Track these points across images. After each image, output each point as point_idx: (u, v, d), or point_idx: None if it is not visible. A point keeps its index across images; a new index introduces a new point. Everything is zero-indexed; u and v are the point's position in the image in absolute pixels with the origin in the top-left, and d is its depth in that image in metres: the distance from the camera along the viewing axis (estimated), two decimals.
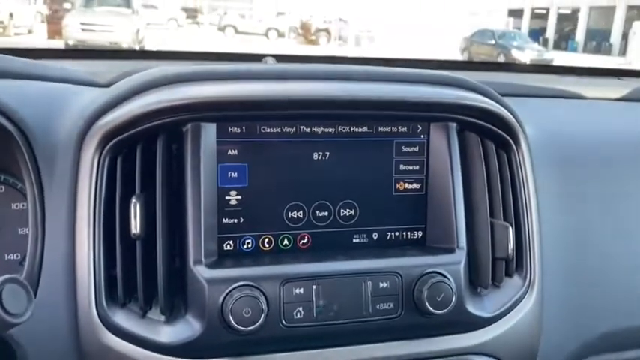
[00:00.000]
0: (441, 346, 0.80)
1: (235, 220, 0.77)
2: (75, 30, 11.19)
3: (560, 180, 0.95)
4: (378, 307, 0.75)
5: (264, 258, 0.77)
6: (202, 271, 0.71)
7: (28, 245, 0.72)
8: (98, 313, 0.70)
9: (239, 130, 0.76)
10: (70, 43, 10.84)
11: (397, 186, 0.82)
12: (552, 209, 0.92)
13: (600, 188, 0.99)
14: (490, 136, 0.84)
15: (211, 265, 0.72)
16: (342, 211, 0.81)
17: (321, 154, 0.79)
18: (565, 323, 0.91)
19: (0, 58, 0.85)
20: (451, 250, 0.80)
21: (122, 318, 0.71)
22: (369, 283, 0.75)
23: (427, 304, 0.74)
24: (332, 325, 0.74)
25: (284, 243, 0.79)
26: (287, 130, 0.77)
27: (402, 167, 0.82)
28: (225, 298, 0.69)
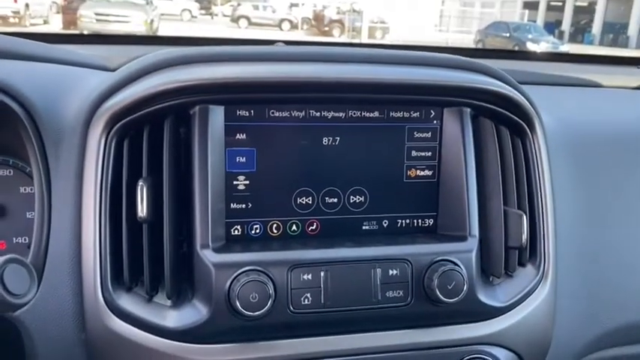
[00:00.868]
0: (452, 336, 0.78)
1: (243, 205, 0.76)
2: (89, 20, 11.26)
3: (575, 169, 0.93)
4: (387, 294, 0.74)
5: (272, 243, 0.75)
6: (209, 256, 0.70)
7: (34, 228, 0.71)
8: (104, 297, 0.70)
9: (247, 114, 0.74)
10: (85, 33, 10.91)
11: (408, 172, 0.81)
12: (567, 198, 0.90)
13: (616, 178, 0.96)
14: (505, 122, 0.82)
15: (219, 250, 0.71)
16: (351, 197, 0.79)
17: (330, 139, 0.77)
18: (578, 315, 0.89)
19: (8, 39, 0.85)
20: (463, 239, 0.78)
21: (128, 302, 0.70)
22: (379, 271, 0.74)
23: (438, 292, 0.72)
24: (340, 312, 0.73)
25: (292, 229, 0.78)
26: (296, 114, 0.76)
27: (413, 153, 0.80)
28: (232, 283, 0.68)
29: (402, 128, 0.79)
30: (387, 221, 0.81)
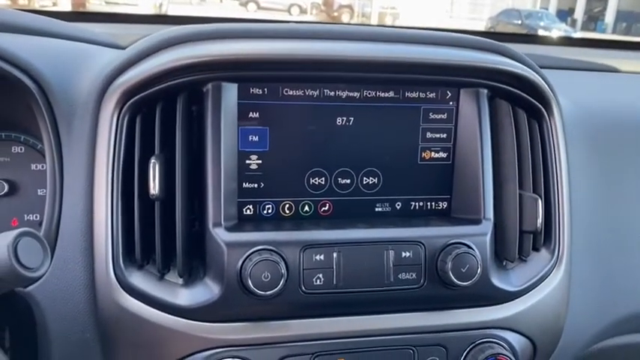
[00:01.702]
0: (464, 319, 0.78)
1: (255, 185, 0.75)
2: (98, 3, 11.23)
3: (592, 153, 0.92)
4: (399, 276, 0.73)
5: (285, 223, 0.75)
6: (222, 234, 0.70)
7: (46, 204, 0.71)
8: (115, 274, 0.69)
9: (261, 92, 0.73)
10: (97, 12, 10.89)
11: (423, 154, 0.80)
12: (583, 183, 0.88)
13: (633, 163, 0.95)
14: (522, 104, 0.81)
15: (231, 229, 0.71)
16: (364, 178, 0.78)
17: (344, 119, 0.76)
18: (592, 302, 0.89)
19: (21, 14, 0.84)
20: (477, 222, 0.77)
21: (139, 280, 0.70)
22: (392, 252, 0.73)
23: (451, 275, 0.72)
24: (352, 294, 0.72)
25: (305, 209, 0.77)
26: (310, 93, 0.75)
27: (428, 135, 0.79)
28: (244, 262, 0.68)
29: (418, 109, 0.78)
30: (400, 203, 0.80)
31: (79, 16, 1.40)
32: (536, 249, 0.82)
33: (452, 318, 0.77)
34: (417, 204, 0.81)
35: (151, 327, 0.70)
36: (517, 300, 0.79)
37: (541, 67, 0.84)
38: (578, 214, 0.86)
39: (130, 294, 0.70)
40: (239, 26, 0.75)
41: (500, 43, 0.81)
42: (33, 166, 0.85)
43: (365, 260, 0.73)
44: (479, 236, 0.76)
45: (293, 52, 0.72)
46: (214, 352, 0.71)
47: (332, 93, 0.75)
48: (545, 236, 0.82)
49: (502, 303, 0.79)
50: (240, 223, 0.73)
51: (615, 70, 1.21)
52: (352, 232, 0.73)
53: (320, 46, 0.73)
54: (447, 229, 0.76)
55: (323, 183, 0.77)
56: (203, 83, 0.71)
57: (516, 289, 0.79)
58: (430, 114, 0.79)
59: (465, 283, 0.72)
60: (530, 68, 0.80)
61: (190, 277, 0.72)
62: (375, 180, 0.79)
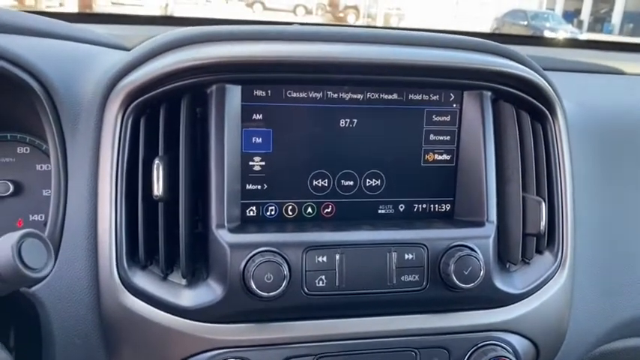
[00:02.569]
0: (467, 322, 0.78)
1: (259, 187, 0.76)
2: (105, 4, 11.28)
3: (597, 156, 0.91)
4: (402, 278, 0.73)
5: (288, 225, 0.75)
6: (225, 236, 0.70)
7: (50, 205, 0.72)
8: (119, 275, 0.70)
9: (264, 94, 0.74)
10: (102, 12, 10.93)
11: (426, 157, 0.80)
12: (587, 186, 0.88)
13: (637, 166, 0.95)
14: (526, 106, 0.81)
15: (234, 230, 0.71)
16: (367, 180, 0.79)
17: (348, 120, 0.76)
18: (595, 304, 0.88)
19: (27, 16, 0.84)
20: (480, 224, 0.77)
21: (143, 280, 0.71)
22: (394, 254, 0.73)
23: (454, 277, 0.72)
24: (354, 295, 0.72)
25: (308, 211, 0.78)
26: (313, 95, 0.75)
27: (432, 137, 0.79)
28: (247, 263, 0.68)
29: (421, 111, 0.78)
30: (403, 205, 0.80)
31: (85, 17, 1.40)
32: (539, 252, 0.82)
33: (454, 320, 0.77)
34: (420, 206, 0.81)
35: (154, 327, 0.70)
36: (520, 302, 0.79)
37: (545, 69, 0.84)
38: (582, 217, 0.86)
39: (133, 294, 0.70)
40: (242, 28, 0.75)
41: (504, 46, 0.81)
42: (38, 167, 0.86)
43: (367, 262, 0.73)
44: (482, 239, 0.76)
45: (295, 54, 0.72)
46: (217, 352, 0.71)
47: (335, 95, 0.76)
48: (549, 239, 0.82)
49: (505, 305, 0.79)
50: (243, 224, 0.74)
51: (620, 72, 1.21)
52: (355, 233, 0.74)
53: (322, 48, 0.73)
54: (449, 231, 0.76)
55: (326, 185, 0.77)
56: (207, 85, 0.72)
57: (519, 291, 0.79)
58: (433, 116, 0.79)
59: (467, 286, 0.72)
60: (533, 71, 0.80)
61: (193, 278, 0.72)
62: (378, 182, 0.79)
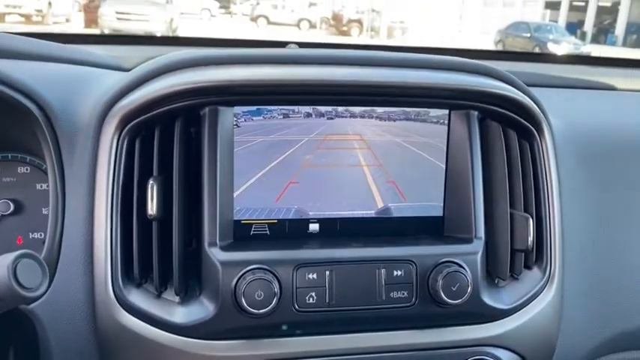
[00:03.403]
0: (456, 337, 0.79)
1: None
2: (110, 19, 11.38)
3: (584, 172, 0.92)
4: (391, 295, 0.75)
5: (279, 243, 0.77)
6: (217, 254, 0.72)
7: (48, 224, 0.74)
8: (114, 292, 0.72)
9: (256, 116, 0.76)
10: (106, 31, 11.02)
11: None
12: (575, 202, 0.89)
13: (626, 182, 0.96)
14: (512, 125, 0.82)
15: (226, 248, 0.73)
16: None
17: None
18: (586, 319, 0.89)
19: (25, 40, 0.87)
20: (468, 241, 0.79)
21: (138, 298, 0.72)
22: (383, 271, 0.75)
23: (442, 293, 0.73)
24: (344, 312, 0.74)
25: (298, 228, 0.79)
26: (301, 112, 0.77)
27: None
28: (238, 280, 0.70)
29: None
30: (392, 222, 0.82)
31: (85, 38, 1.43)
32: (528, 267, 0.83)
33: (443, 335, 0.78)
34: (408, 224, 0.82)
35: (148, 344, 0.72)
36: (509, 318, 0.80)
37: (537, 86, 0.85)
38: (571, 232, 0.87)
39: (128, 312, 0.72)
40: (236, 52, 0.78)
41: (490, 65, 0.82)
42: (38, 186, 0.88)
43: (357, 279, 0.74)
44: (470, 255, 0.77)
45: (283, 77, 0.74)
46: None
47: (323, 110, 0.78)
48: (537, 255, 0.83)
49: (494, 321, 0.80)
50: (235, 242, 0.75)
51: (612, 88, 1.22)
52: (344, 251, 0.75)
53: (310, 71, 0.76)
54: (438, 247, 0.78)
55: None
56: (200, 107, 0.74)
57: (508, 306, 0.80)
58: None
59: (455, 302, 0.73)
60: (519, 90, 0.82)
61: (187, 296, 0.74)
62: None
